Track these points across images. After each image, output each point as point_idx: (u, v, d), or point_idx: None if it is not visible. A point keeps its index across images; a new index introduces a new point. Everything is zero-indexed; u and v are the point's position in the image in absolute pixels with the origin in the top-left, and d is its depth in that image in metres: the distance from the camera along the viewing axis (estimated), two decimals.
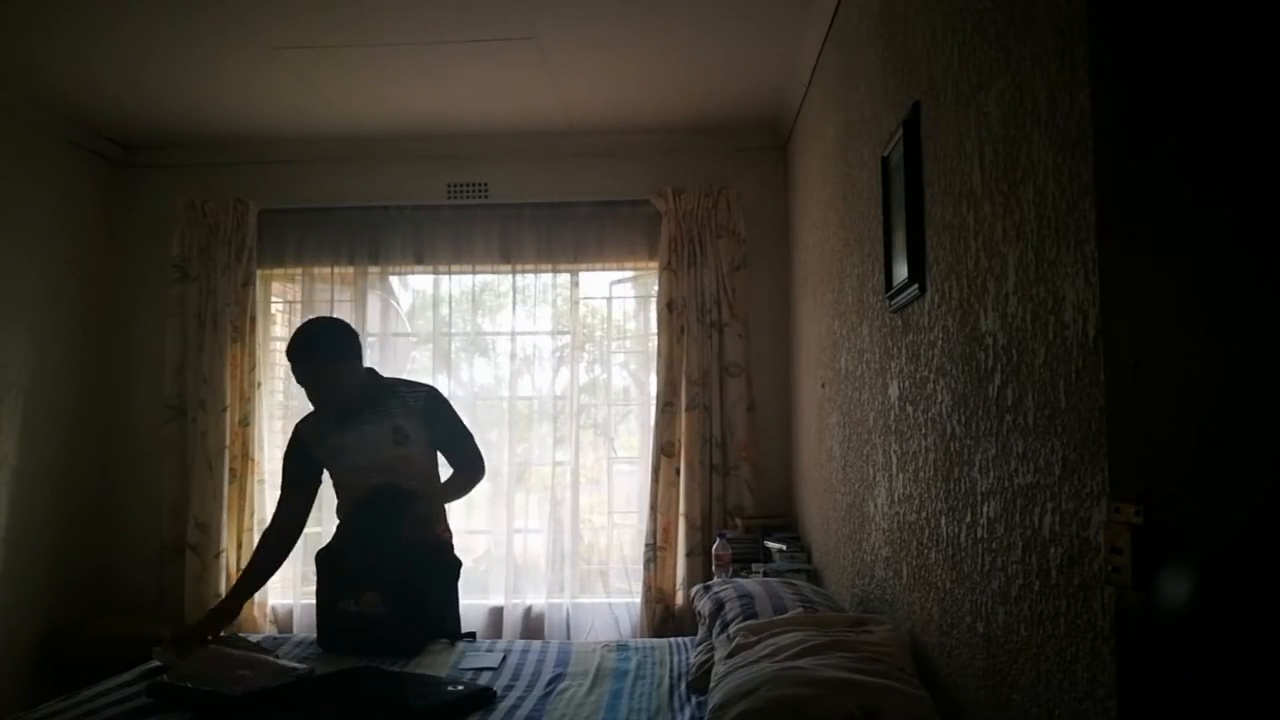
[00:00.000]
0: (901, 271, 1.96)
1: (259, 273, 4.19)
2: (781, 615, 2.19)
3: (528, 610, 4.04)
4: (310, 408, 2.80)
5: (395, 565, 2.61)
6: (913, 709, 1.58)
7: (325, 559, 2.78)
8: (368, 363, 2.85)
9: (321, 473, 2.85)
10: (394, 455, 2.70)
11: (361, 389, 2.75)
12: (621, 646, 2.68)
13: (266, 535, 2.86)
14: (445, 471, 2.90)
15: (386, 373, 3.13)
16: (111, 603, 4.07)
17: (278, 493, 2.84)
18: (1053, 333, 1.22)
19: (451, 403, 2.91)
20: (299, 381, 2.70)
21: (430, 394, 2.84)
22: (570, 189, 4.18)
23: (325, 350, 2.67)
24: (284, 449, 2.89)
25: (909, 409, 1.96)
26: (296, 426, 2.87)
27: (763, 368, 4.08)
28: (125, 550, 4.12)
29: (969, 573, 1.57)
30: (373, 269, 4.23)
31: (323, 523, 3.60)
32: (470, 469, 2.85)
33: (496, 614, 4.00)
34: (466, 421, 2.93)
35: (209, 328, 4.10)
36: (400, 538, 2.61)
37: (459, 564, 2.91)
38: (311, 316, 3.11)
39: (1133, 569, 0.88)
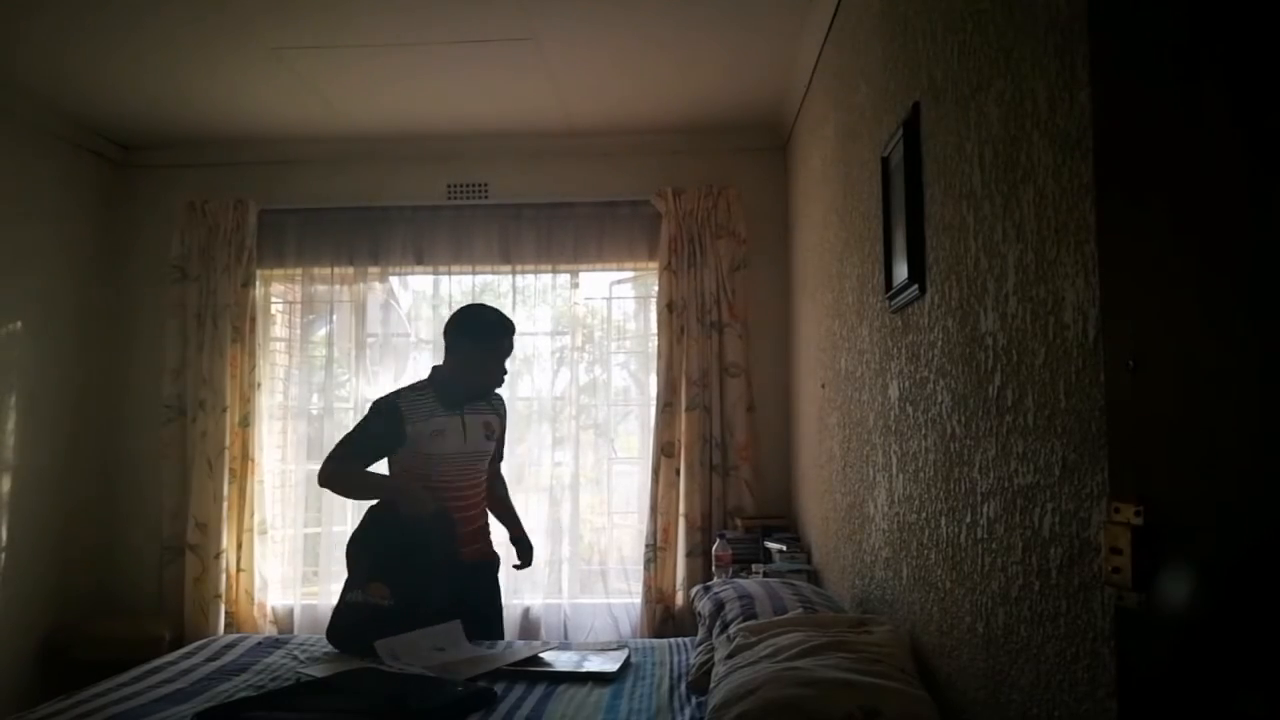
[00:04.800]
0: (901, 272, 1.96)
1: (259, 273, 4.19)
2: (781, 616, 2.19)
3: (526, 611, 4.03)
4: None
5: (417, 564, 2.62)
6: (913, 709, 1.58)
7: (351, 551, 2.79)
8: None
9: (395, 450, 2.79)
10: (481, 450, 2.87)
11: None
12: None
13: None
14: None
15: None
16: (111, 603, 4.07)
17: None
18: (1053, 333, 1.22)
19: None
20: (492, 350, 2.83)
21: (503, 405, 3.03)
22: (570, 189, 4.18)
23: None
24: (364, 420, 2.83)
25: (909, 409, 1.96)
26: (389, 400, 2.82)
27: (763, 368, 4.08)
28: (125, 550, 4.12)
29: (969, 573, 1.57)
30: (373, 269, 4.23)
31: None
32: (505, 487, 3.16)
33: None
34: None
35: (209, 328, 4.10)
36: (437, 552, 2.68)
37: (497, 561, 2.99)
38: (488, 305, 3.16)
39: (1132, 569, 0.88)
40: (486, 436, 2.88)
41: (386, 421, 2.76)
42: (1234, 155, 0.77)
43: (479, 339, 2.83)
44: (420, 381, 2.91)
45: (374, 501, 2.78)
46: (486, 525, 2.96)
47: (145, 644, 3.57)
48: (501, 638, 2.92)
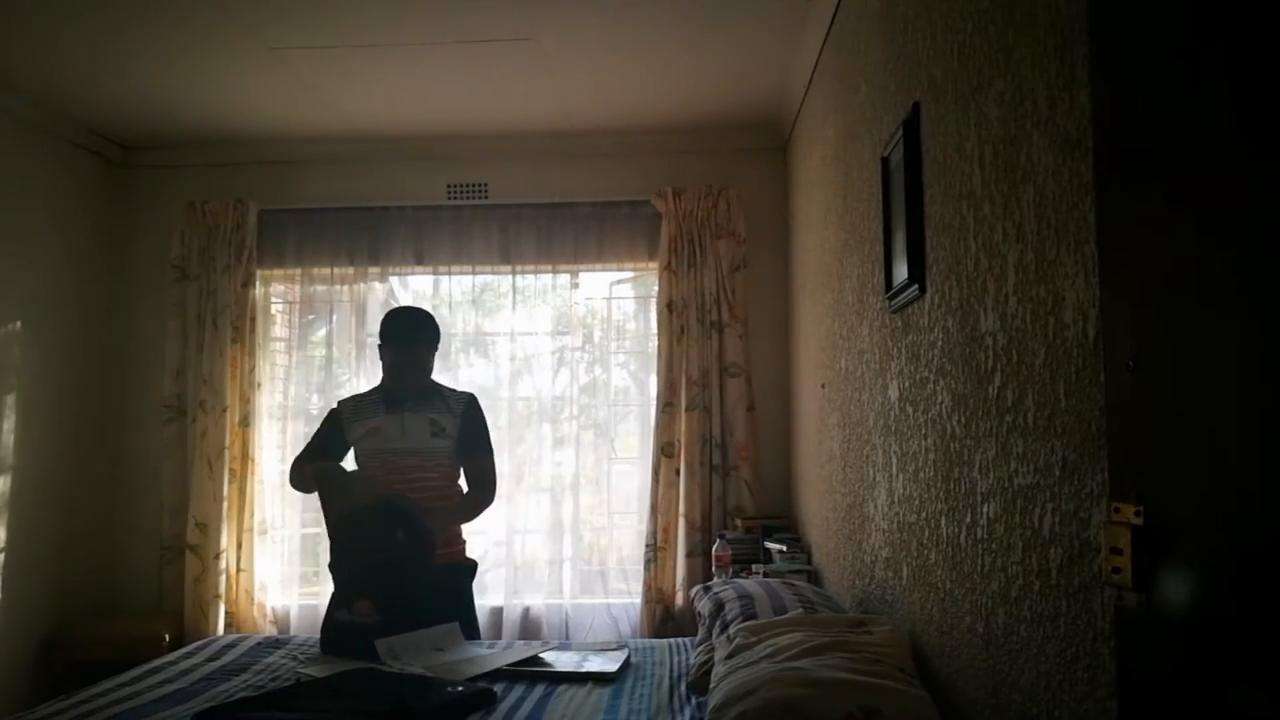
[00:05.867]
0: (901, 272, 1.96)
1: (259, 273, 4.19)
2: (781, 616, 2.19)
3: (526, 611, 4.03)
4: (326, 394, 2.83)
5: (393, 573, 2.60)
6: (913, 709, 1.58)
7: (333, 565, 2.77)
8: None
9: (347, 451, 2.88)
10: (428, 447, 2.81)
11: (424, 383, 2.88)
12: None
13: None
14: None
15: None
16: (111, 603, 4.07)
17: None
18: (1053, 333, 1.22)
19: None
20: (394, 352, 2.83)
21: (471, 400, 2.95)
22: (570, 189, 4.18)
23: (431, 334, 2.88)
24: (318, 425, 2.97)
25: (909, 409, 1.96)
26: (338, 405, 2.95)
27: (763, 368, 4.08)
28: (125, 550, 4.12)
29: (969, 573, 1.57)
30: (373, 269, 4.23)
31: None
32: (481, 489, 2.91)
33: (496, 614, 3.99)
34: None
35: (209, 328, 4.10)
36: (404, 551, 2.63)
37: (473, 566, 2.95)
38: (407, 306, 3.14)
39: (1132, 569, 0.88)
40: (434, 434, 2.82)
41: (327, 423, 2.92)
42: (1235, 155, 0.77)
43: (383, 341, 2.87)
44: (374, 387, 2.99)
45: (339, 518, 2.80)
46: (454, 530, 2.89)
47: (145, 644, 3.57)
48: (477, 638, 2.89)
